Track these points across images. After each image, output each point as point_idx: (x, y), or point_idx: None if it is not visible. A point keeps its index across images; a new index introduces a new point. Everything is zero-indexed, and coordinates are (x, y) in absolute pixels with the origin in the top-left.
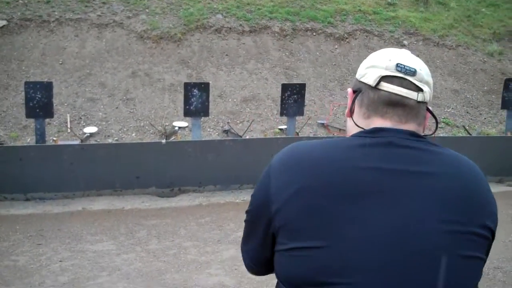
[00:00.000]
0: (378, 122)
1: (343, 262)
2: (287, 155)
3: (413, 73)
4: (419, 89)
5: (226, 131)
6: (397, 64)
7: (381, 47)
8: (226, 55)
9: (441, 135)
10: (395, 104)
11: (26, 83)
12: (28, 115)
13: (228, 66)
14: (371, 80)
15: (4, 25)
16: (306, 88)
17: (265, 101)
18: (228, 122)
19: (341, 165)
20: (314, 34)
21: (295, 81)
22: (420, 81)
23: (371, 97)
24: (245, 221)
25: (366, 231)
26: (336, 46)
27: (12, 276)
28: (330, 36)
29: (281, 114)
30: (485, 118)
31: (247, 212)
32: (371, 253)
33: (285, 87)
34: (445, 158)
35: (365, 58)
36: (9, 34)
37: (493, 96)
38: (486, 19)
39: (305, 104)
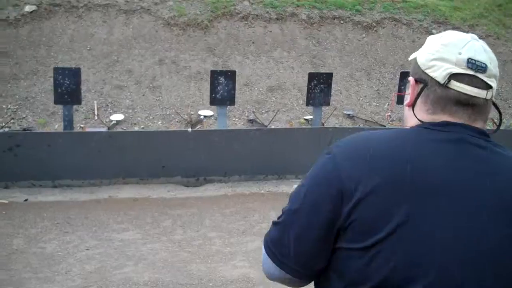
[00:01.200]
0: (445, 119)
1: (419, 258)
2: (353, 145)
3: (484, 69)
4: (489, 87)
5: (251, 121)
6: (468, 60)
7: (409, 36)
8: (253, 43)
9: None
10: (464, 103)
11: (55, 69)
12: (56, 101)
13: (254, 54)
14: (439, 76)
15: (33, 10)
16: (333, 78)
17: (290, 90)
18: (253, 112)
19: (414, 161)
20: (342, 22)
21: (321, 70)
22: (489, 77)
23: (438, 93)
24: (293, 213)
25: (438, 229)
26: (364, 35)
27: (40, 263)
28: (358, 24)
29: (307, 104)
30: None
31: (297, 209)
32: (442, 252)
33: (311, 76)
34: None
35: (429, 41)
36: (38, 20)
37: None
38: None
39: (331, 94)
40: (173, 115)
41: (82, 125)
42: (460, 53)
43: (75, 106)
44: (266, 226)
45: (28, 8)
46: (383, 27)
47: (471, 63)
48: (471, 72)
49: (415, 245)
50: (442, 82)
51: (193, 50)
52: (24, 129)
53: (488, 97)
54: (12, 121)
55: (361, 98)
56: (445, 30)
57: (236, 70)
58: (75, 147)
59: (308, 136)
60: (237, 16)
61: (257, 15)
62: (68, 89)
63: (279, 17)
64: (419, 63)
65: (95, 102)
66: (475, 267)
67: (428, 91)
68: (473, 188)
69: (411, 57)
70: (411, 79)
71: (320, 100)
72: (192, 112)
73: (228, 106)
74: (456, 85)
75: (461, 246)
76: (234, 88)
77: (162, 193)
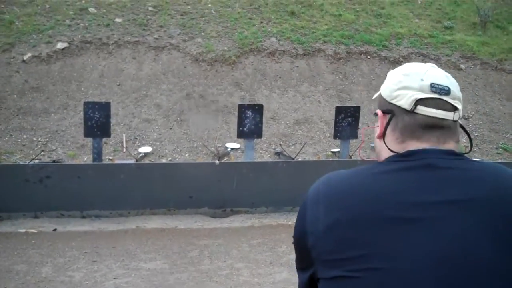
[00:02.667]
0: (414, 145)
1: None
2: (321, 185)
3: (447, 92)
4: (455, 108)
5: (278, 153)
6: (431, 85)
7: None
8: (280, 77)
9: (499, 161)
10: (432, 126)
11: (85, 103)
12: (86, 135)
13: (281, 88)
14: (405, 104)
15: (65, 47)
16: (360, 111)
17: (317, 123)
18: (280, 144)
19: (376, 193)
20: (369, 57)
21: (348, 104)
22: (454, 99)
23: (406, 121)
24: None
25: (405, 258)
26: (391, 69)
27: None
28: (385, 59)
29: (335, 136)
30: None
31: (293, 242)
32: (409, 284)
33: (339, 110)
34: (487, 176)
35: (390, 75)
36: (69, 56)
37: None
38: None
39: (359, 127)
40: (200, 148)
41: (111, 158)
42: (422, 80)
43: (104, 139)
44: (293, 257)
45: (60, 45)
46: (411, 62)
47: (435, 87)
48: (435, 96)
49: (376, 277)
50: (409, 108)
51: (220, 85)
52: (54, 161)
53: (456, 118)
54: (42, 153)
55: (359, 136)
56: (473, 65)
57: (263, 103)
58: (104, 179)
59: (335, 169)
60: (264, 52)
61: (284, 51)
62: (97, 122)
63: (306, 52)
64: (384, 96)
65: (124, 135)
66: None
67: (396, 120)
68: (442, 217)
69: (374, 96)
70: (378, 111)
71: (347, 133)
72: (219, 145)
73: (255, 139)
74: (423, 110)
75: (421, 275)
76: (261, 121)
77: (189, 223)
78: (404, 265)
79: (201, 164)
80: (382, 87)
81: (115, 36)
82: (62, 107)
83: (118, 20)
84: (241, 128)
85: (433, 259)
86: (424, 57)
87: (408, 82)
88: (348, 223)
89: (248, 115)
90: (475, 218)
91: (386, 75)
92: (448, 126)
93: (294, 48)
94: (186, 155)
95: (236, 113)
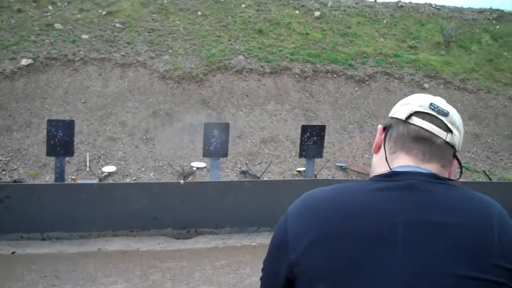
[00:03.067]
0: (402, 158)
1: None
2: (303, 203)
3: (445, 114)
4: (449, 130)
5: (243, 172)
6: (431, 103)
7: (401, 90)
8: (247, 95)
9: (461, 180)
10: (422, 140)
11: (49, 120)
12: (48, 153)
13: (248, 106)
14: (403, 114)
15: (29, 64)
16: (325, 130)
17: (283, 142)
18: (246, 163)
19: (357, 211)
20: (335, 76)
21: (314, 123)
22: (452, 124)
23: (400, 130)
24: (262, 269)
25: (381, 280)
26: (356, 89)
27: None
28: (351, 78)
29: (300, 155)
30: (505, 164)
31: (264, 260)
32: None
33: (304, 129)
34: (467, 203)
35: (389, 101)
36: (34, 73)
37: None
38: (508, 63)
39: (324, 146)
40: (165, 167)
41: (73, 177)
42: (424, 100)
43: (67, 158)
44: (257, 279)
45: (24, 62)
46: (376, 81)
47: (434, 106)
48: (432, 113)
49: None
50: (404, 118)
51: (187, 103)
52: (15, 181)
53: (448, 139)
54: (3, 172)
55: (353, 150)
56: (436, 83)
57: (230, 122)
58: (66, 199)
59: (301, 188)
60: (231, 70)
61: (251, 69)
62: (61, 141)
63: (273, 71)
64: (389, 115)
65: (88, 154)
66: None
67: (392, 130)
68: (419, 238)
69: None
70: (379, 126)
71: (313, 152)
72: (185, 164)
73: (221, 158)
74: (416, 121)
75: None
76: (227, 140)
77: (152, 245)
78: (383, 283)
79: (166, 183)
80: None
81: (81, 52)
82: (25, 125)
83: (84, 36)
84: (207, 147)
85: (406, 278)
86: (389, 76)
87: (411, 100)
88: (330, 239)
89: (214, 133)
90: (449, 241)
91: (352, 94)
92: (438, 144)
93: (261, 66)
94: (151, 174)
95: (203, 132)
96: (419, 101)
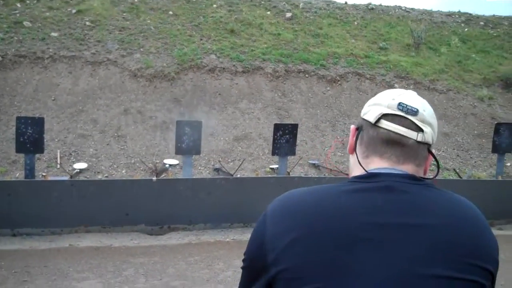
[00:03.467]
0: (376, 162)
1: None
2: (281, 203)
3: (414, 113)
4: (420, 129)
5: (217, 170)
6: (399, 103)
7: (372, 90)
8: (219, 94)
9: (431, 177)
10: (393, 143)
11: (18, 118)
12: (18, 150)
13: (221, 105)
14: (371, 117)
15: None
16: (298, 129)
17: (256, 140)
18: (219, 161)
19: (335, 213)
20: (307, 76)
21: (287, 122)
22: (422, 122)
23: (370, 134)
24: (241, 267)
25: (360, 279)
26: (328, 88)
27: None
28: (322, 78)
29: (273, 153)
30: (475, 162)
31: (243, 260)
32: None
33: (277, 127)
34: (444, 204)
35: (360, 100)
36: (2, 70)
37: (483, 140)
38: (476, 64)
39: (297, 144)
40: (138, 164)
41: (44, 174)
42: (393, 99)
43: (37, 155)
44: (230, 274)
45: None
46: (347, 81)
47: (402, 106)
48: (401, 113)
49: None
50: (373, 121)
51: (159, 101)
52: None
53: (419, 139)
54: None
55: (326, 148)
56: (407, 84)
57: (203, 120)
58: (36, 196)
59: (273, 185)
60: (203, 69)
61: (223, 68)
62: (30, 138)
63: (245, 70)
64: (361, 113)
65: (58, 151)
66: None
67: (363, 133)
68: (397, 239)
69: None
70: (352, 126)
71: (285, 150)
72: (158, 161)
73: (194, 156)
74: (385, 124)
75: None
76: (200, 138)
77: (125, 241)
78: (361, 285)
79: (138, 180)
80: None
81: (50, 50)
82: None
83: (54, 34)
84: (179, 144)
85: (384, 281)
86: (360, 77)
87: (381, 100)
88: (308, 241)
89: (187, 131)
90: (429, 243)
91: (324, 93)
92: (409, 145)
93: (234, 65)
94: (123, 171)
95: (175, 129)
96: (388, 100)
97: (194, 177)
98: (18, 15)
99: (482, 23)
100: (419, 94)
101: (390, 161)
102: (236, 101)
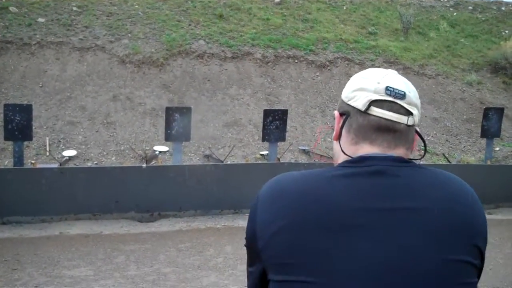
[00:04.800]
0: (366, 149)
1: None
2: (271, 188)
3: (402, 96)
4: (409, 113)
5: (207, 156)
6: (386, 88)
7: None
8: (208, 80)
9: (421, 162)
10: (384, 129)
11: (5, 105)
12: (6, 138)
13: (210, 91)
14: (360, 104)
15: None
16: (288, 114)
17: (246, 126)
18: (209, 147)
19: (325, 199)
20: (296, 61)
21: (276, 107)
22: (409, 104)
23: (360, 122)
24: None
25: (351, 265)
26: (318, 74)
27: None
28: (312, 63)
29: (263, 139)
30: (464, 147)
31: (245, 239)
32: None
33: (267, 113)
34: (435, 185)
35: (351, 78)
36: None
37: (472, 124)
38: (465, 49)
39: (287, 130)
40: (127, 151)
41: (33, 161)
42: (379, 83)
43: (26, 142)
44: (221, 261)
45: None
46: (337, 66)
47: (390, 90)
48: (390, 98)
49: (329, 283)
50: (362, 109)
51: (148, 87)
52: None
53: (409, 123)
54: None
55: (316, 134)
56: (396, 69)
57: (192, 106)
58: (25, 184)
59: (263, 171)
60: (192, 55)
61: (212, 54)
62: (18, 125)
63: (234, 55)
64: (342, 97)
65: (47, 138)
66: None
67: (351, 120)
68: (388, 223)
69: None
70: (336, 112)
71: (275, 136)
72: (147, 148)
73: (184, 142)
74: (376, 111)
75: (376, 282)
76: (189, 124)
77: (115, 228)
78: (352, 271)
79: (127, 167)
80: (343, 90)
81: (37, 36)
82: None
83: (41, 20)
84: (169, 131)
85: (379, 267)
86: (349, 62)
87: (365, 84)
88: (297, 228)
89: (176, 117)
90: (422, 227)
91: (313, 79)
92: (400, 130)
93: (223, 51)
94: (113, 158)
95: (164, 116)
96: (374, 84)
97: (184, 163)
98: (3, 0)
99: (470, 7)
100: (408, 79)
101: (381, 147)
102: (226, 87)
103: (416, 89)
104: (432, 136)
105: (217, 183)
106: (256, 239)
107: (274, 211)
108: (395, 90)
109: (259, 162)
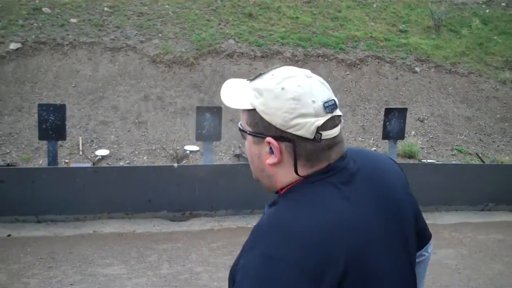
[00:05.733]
0: (323, 165)
1: None
2: (282, 240)
3: (336, 106)
4: (340, 119)
5: (237, 156)
6: (324, 105)
7: (392, 74)
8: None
9: (454, 162)
10: (334, 144)
11: (40, 105)
12: (40, 137)
13: None
14: (307, 133)
15: (18, 48)
16: None
17: None
18: (239, 147)
19: (343, 222)
20: (326, 60)
21: None
22: (338, 108)
23: (309, 149)
24: None
25: (382, 273)
26: (348, 72)
27: None
28: (342, 62)
29: None
30: (498, 146)
31: None
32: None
33: None
34: (378, 157)
35: (270, 94)
36: (23, 57)
37: (506, 124)
38: (498, 47)
39: None
40: (158, 150)
41: (66, 161)
42: (314, 101)
43: (59, 142)
44: None
45: (13, 46)
46: (367, 65)
47: (327, 107)
48: (329, 116)
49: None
50: (311, 137)
51: (178, 87)
52: (8, 165)
53: (341, 126)
54: None
55: (346, 134)
56: (427, 67)
57: (222, 106)
58: (60, 183)
59: None
60: (222, 54)
61: (242, 53)
62: (52, 125)
63: (264, 54)
64: (276, 124)
65: (80, 137)
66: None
67: (297, 147)
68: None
69: (238, 107)
70: (270, 139)
71: None
72: (178, 147)
73: (214, 142)
74: (324, 135)
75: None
76: (220, 124)
77: (148, 227)
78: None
79: (159, 167)
80: (266, 111)
81: (70, 36)
82: (16, 109)
83: (73, 20)
84: (199, 131)
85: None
86: (380, 60)
87: (303, 108)
88: (350, 261)
89: (207, 117)
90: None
91: (343, 77)
92: (341, 137)
93: (252, 50)
94: (145, 157)
95: (195, 116)
96: (309, 105)
97: (214, 163)
98: (37, 1)
99: (503, 4)
100: (440, 77)
101: (337, 156)
102: None
103: (449, 88)
104: (465, 136)
105: (247, 183)
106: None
107: (310, 257)
108: (329, 103)
109: None
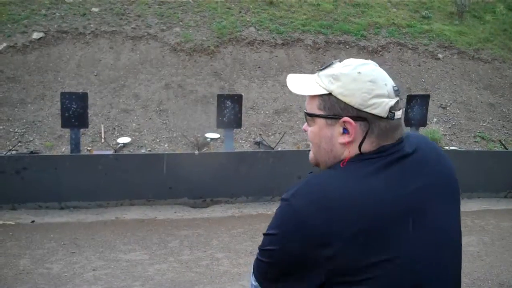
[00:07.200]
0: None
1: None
2: (317, 197)
3: (399, 92)
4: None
5: (258, 143)
6: (393, 88)
7: (415, 61)
8: (259, 67)
9: (477, 149)
10: (398, 126)
11: (62, 93)
12: (63, 125)
13: (261, 78)
14: (381, 111)
15: (41, 37)
16: None
17: (297, 113)
18: (260, 134)
19: (377, 196)
20: (347, 47)
21: None
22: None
23: (382, 127)
24: (268, 263)
25: (415, 250)
26: (370, 59)
27: (46, 283)
28: (363, 49)
29: None
30: None
31: (271, 259)
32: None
33: None
34: (429, 149)
35: (348, 78)
36: (45, 46)
37: None
38: None
39: None
40: (179, 138)
41: (89, 148)
42: (386, 85)
43: (82, 130)
44: None
45: (35, 35)
46: (389, 52)
47: (396, 90)
48: (397, 99)
49: (409, 264)
50: (385, 116)
51: (199, 75)
52: (31, 152)
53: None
54: (19, 144)
55: None
56: (451, 54)
57: (242, 93)
58: (82, 170)
59: None
60: (243, 42)
61: (262, 41)
62: (75, 113)
63: (284, 42)
64: (353, 103)
65: (102, 125)
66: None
67: (372, 126)
68: (426, 200)
69: (305, 93)
70: (347, 119)
71: None
72: (199, 135)
73: (235, 129)
74: (396, 115)
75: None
76: (240, 111)
77: (169, 214)
78: (415, 255)
79: (180, 154)
80: (345, 93)
81: (91, 25)
82: (38, 98)
83: (94, 9)
84: (220, 118)
85: (437, 240)
86: (402, 47)
87: (379, 89)
88: (366, 229)
89: (228, 105)
90: (448, 196)
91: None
92: (401, 121)
93: (273, 37)
94: (166, 145)
95: (215, 103)
96: (383, 87)
97: (235, 150)
98: None
99: None
100: (463, 63)
101: (396, 138)
102: (276, 74)
103: (472, 74)
104: (488, 122)
105: (268, 170)
106: (321, 247)
107: (335, 218)
108: (396, 88)
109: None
